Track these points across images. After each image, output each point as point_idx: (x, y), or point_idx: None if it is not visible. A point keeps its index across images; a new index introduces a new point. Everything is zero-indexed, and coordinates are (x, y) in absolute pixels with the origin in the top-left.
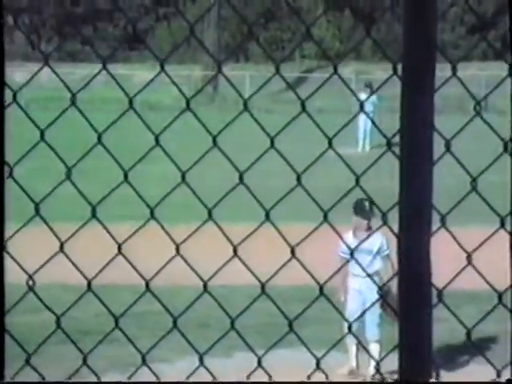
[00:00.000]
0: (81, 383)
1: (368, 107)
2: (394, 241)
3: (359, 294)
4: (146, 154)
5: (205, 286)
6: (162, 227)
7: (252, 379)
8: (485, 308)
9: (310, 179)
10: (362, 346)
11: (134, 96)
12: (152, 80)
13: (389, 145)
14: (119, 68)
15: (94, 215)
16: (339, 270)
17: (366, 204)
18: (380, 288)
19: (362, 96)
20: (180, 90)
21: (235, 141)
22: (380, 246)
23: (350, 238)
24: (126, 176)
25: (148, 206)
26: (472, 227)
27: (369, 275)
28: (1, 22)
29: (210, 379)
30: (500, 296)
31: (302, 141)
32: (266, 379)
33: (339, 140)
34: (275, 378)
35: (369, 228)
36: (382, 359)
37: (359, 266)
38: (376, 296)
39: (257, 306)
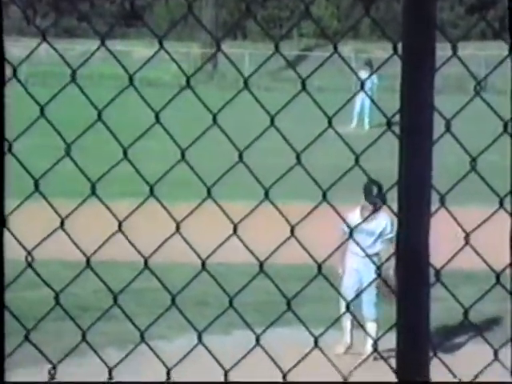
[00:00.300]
0: (89, 383)
1: (366, 85)
2: None
3: (356, 272)
4: (145, 132)
5: (203, 263)
6: (162, 204)
7: (250, 357)
8: (483, 288)
9: (310, 158)
10: (358, 324)
11: (135, 73)
12: (152, 57)
13: (389, 124)
14: (117, 44)
15: (93, 192)
16: (337, 248)
17: (374, 189)
18: (378, 267)
19: (362, 74)
20: (180, 68)
21: (235, 119)
22: (384, 228)
23: (357, 215)
24: (125, 153)
25: (147, 183)
26: (471, 207)
27: (368, 255)
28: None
29: (208, 357)
30: (498, 276)
31: (301, 119)
32: (264, 357)
33: (338, 119)
34: (274, 357)
35: (375, 210)
36: (379, 338)
37: (358, 245)
38: (373, 276)
39: (255, 284)
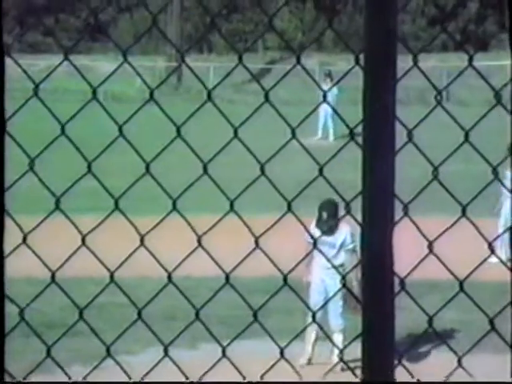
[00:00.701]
0: (90, 383)
1: (328, 97)
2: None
3: (322, 283)
4: (109, 145)
5: (169, 276)
6: (127, 218)
7: (218, 369)
8: (447, 297)
9: (275, 170)
10: (325, 335)
11: (98, 86)
12: (116, 70)
13: (352, 135)
14: (82, 59)
15: (57, 207)
16: (302, 260)
17: (324, 215)
18: (343, 277)
19: (324, 86)
20: (143, 81)
21: (199, 131)
22: (343, 240)
23: (312, 228)
24: (89, 167)
25: (112, 196)
26: (435, 217)
27: (334, 266)
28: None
29: (175, 370)
30: (461, 284)
31: (266, 132)
32: (231, 369)
33: (303, 131)
34: (240, 368)
35: (325, 233)
36: (345, 347)
37: (323, 256)
38: (339, 286)
39: (221, 297)
